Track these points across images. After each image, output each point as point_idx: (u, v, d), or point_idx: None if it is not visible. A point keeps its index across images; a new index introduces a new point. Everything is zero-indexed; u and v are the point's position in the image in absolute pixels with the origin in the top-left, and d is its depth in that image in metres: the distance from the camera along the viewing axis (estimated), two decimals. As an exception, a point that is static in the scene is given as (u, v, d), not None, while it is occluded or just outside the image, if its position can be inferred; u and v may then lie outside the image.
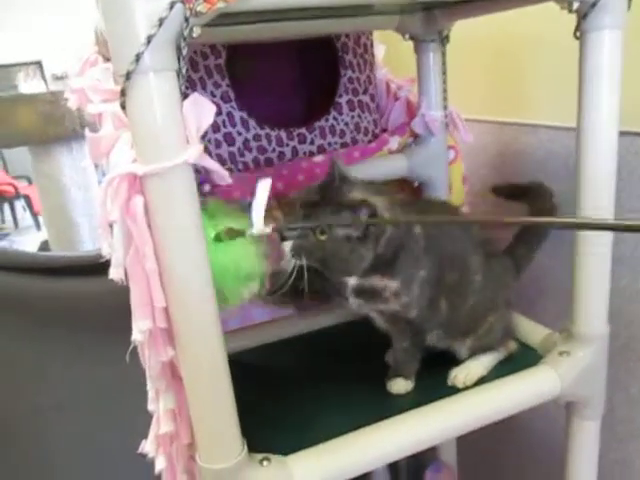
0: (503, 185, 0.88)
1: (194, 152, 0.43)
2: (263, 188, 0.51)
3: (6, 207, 5.37)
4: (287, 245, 0.60)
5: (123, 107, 0.43)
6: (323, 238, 0.59)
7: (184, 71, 0.43)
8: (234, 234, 0.53)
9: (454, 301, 0.69)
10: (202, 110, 0.44)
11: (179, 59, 0.43)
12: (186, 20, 0.41)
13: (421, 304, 0.66)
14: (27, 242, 4.47)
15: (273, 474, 0.55)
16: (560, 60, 0.83)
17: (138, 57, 0.40)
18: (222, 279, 0.52)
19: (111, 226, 0.47)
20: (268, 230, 0.52)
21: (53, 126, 1.83)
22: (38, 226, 5.02)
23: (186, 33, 0.42)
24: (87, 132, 0.49)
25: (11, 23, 5.64)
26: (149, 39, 0.40)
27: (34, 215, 5.06)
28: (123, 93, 0.42)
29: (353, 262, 0.61)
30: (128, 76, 0.41)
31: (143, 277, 0.46)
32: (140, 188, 0.44)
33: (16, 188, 5.24)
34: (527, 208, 0.83)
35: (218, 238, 0.53)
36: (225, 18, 0.66)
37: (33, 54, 5.91)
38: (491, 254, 0.73)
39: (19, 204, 5.37)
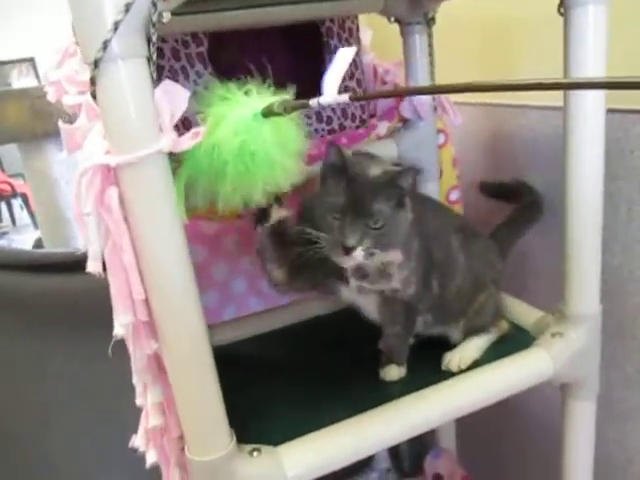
0: (490, 183, 0.89)
1: (168, 141, 0.42)
2: (345, 56, 0.46)
3: (3, 206, 5.36)
4: (357, 254, 0.58)
5: (94, 96, 0.42)
6: (379, 226, 0.59)
7: (155, 58, 0.42)
8: (292, 107, 0.46)
9: (443, 280, 0.69)
10: (175, 97, 0.43)
11: (149, 45, 0.42)
12: (154, 5, 0.40)
13: (417, 280, 0.66)
14: (25, 240, 4.46)
15: (263, 464, 0.55)
16: (547, 38, 0.82)
17: (105, 44, 0.39)
18: (273, 156, 0.47)
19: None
20: (344, 98, 0.46)
21: (42, 122, 1.81)
22: (36, 224, 5.01)
23: (155, 18, 0.41)
24: (61, 124, 0.48)
25: (4, 20, 5.60)
26: (116, 25, 0.39)
27: (31, 213, 5.05)
28: (92, 82, 0.41)
29: (402, 231, 0.62)
30: (96, 64, 0.40)
31: (121, 270, 0.45)
32: (114, 179, 0.43)
33: (13, 186, 5.23)
34: (514, 206, 0.86)
35: (267, 113, 0.46)
36: (203, 4, 0.65)
37: (27, 51, 5.87)
38: (472, 235, 0.74)
39: (16, 202, 5.36)
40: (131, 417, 0.63)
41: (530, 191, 0.85)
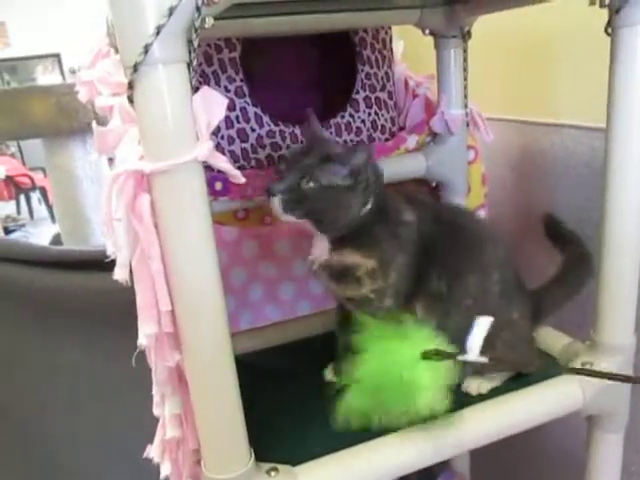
0: (554, 220, 0.79)
1: (204, 149, 0.41)
2: (483, 325, 0.55)
3: (22, 198, 5.41)
4: (275, 200, 0.59)
5: (131, 100, 0.41)
6: (312, 185, 0.59)
7: (195, 63, 0.41)
8: (443, 356, 0.54)
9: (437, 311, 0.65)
10: (213, 105, 0.42)
11: (190, 51, 0.41)
12: (198, 9, 0.39)
13: (398, 296, 0.64)
14: (42, 234, 4.49)
15: (281, 485, 0.53)
16: (585, 56, 0.80)
17: (147, 48, 0.38)
18: (414, 397, 0.54)
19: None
20: (484, 359, 0.54)
21: (67, 119, 1.82)
22: (53, 218, 5.04)
23: (197, 23, 0.40)
24: (94, 125, 0.47)
25: (31, 16, 5.67)
26: (158, 29, 0.38)
27: (49, 207, 5.08)
28: (131, 86, 0.40)
29: (342, 211, 0.61)
30: (136, 68, 0.39)
31: (149, 279, 0.44)
32: (147, 186, 0.42)
33: (32, 180, 5.28)
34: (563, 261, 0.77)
35: (425, 356, 0.54)
36: (240, 10, 0.64)
37: (52, 47, 5.94)
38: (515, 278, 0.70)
39: (35, 196, 5.40)
40: (141, 416, 0.62)
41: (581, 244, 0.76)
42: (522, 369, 0.70)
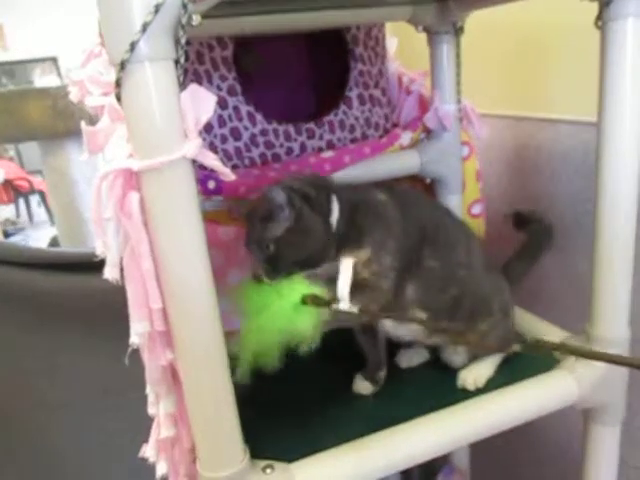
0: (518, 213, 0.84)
1: (192, 147, 0.41)
2: (347, 268, 0.58)
3: (21, 202, 5.41)
4: (265, 280, 0.60)
5: (118, 98, 0.41)
6: (272, 247, 0.59)
7: (183, 60, 0.41)
8: (319, 303, 0.57)
9: (431, 288, 0.66)
10: (201, 102, 0.42)
11: (177, 48, 0.41)
12: (184, 6, 0.39)
13: (392, 279, 0.63)
14: (41, 237, 4.50)
15: (277, 482, 0.53)
16: (580, 51, 0.80)
17: (133, 45, 0.38)
18: (284, 337, 0.57)
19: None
20: (354, 309, 0.58)
21: (63, 121, 1.82)
22: (52, 221, 5.05)
23: (184, 20, 0.40)
24: (83, 125, 0.47)
25: (28, 19, 5.67)
26: (145, 27, 0.38)
27: (49, 210, 5.09)
28: (118, 84, 0.40)
29: (313, 241, 0.60)
30: (123, 66, 0.39)
31: (139, 277, 0.43)
32: (136, 184, 0.42)
33: (31, 183, 5.28)
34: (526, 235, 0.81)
35: (304, 302, 0.57)
36: (231, 9, 0.64)
37: (49, 50, 5.93)
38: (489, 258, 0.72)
39: (34, 199, 5.41)
40: (137, 416, 0.62)
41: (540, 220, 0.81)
42: (505, 349, 0.71)
